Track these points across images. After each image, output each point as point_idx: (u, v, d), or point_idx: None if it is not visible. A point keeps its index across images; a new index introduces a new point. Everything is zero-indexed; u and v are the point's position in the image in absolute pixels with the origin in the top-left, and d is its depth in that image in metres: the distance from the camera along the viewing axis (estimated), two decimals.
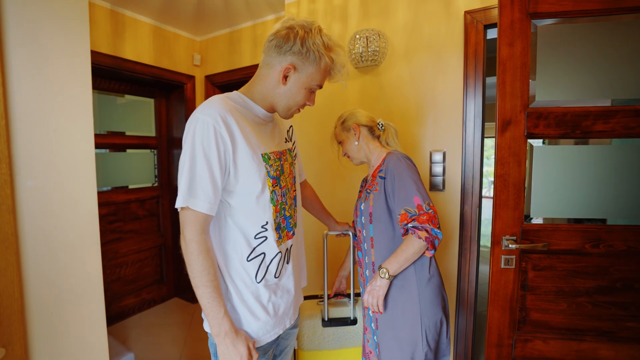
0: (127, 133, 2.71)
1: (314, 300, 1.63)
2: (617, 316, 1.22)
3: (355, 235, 1.35)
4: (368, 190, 1.21)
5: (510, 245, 1.22)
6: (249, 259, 0.92)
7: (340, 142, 1.31)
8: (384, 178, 1.15)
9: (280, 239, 0.96)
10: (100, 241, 2.45)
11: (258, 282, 0.94)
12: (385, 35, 1.86)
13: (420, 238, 1.05)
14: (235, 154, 0.86)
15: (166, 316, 2.68)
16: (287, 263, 1.00)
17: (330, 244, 2.00)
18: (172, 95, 2.91)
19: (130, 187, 2.72)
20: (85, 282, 1.37)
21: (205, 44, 2.88)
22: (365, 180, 1.37)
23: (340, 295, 1.54)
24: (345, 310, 1.55)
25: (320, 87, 0.96)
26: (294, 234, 1.02)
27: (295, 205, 1.08)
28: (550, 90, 1.23)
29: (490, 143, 6.19)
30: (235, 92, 0.97)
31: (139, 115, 2.81)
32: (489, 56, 1.70)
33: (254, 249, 0.92)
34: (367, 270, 1.22)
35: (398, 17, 1.85)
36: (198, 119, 0.83)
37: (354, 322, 1.52)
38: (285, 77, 0.92)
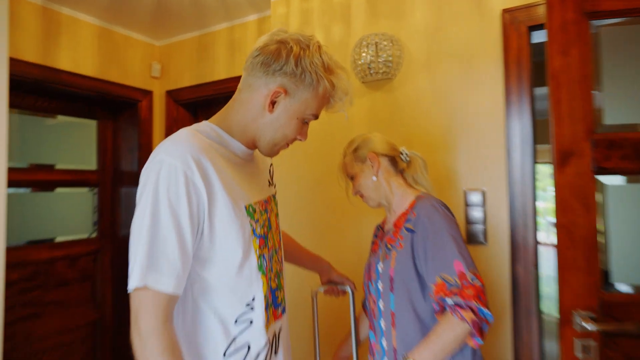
0: (58, 166, 2.68)
1: None
2: None
3: (367, 305, 1.32)
4: (389, 246, 1.20)
5: (585, 325, 1.14)
6: (226, 353, 0.89)
7: (351, 177, 1.31)
8: (413, 232, 1.13)
9: (269, 322, 0.95)
10: (7, 320, 2.32)
11: None
12: (401, 41, 1.89)
13: (464, 320, 1.00)
14: (211, 208, 0.85)
15: None
16: (276, 354, 0.98)
17: (323, 305, 1.89)
18: (121, 116, 2.92)
19: (59, 239, 2.65)
20: None
21: (167, 51, 2.93)
22: (380, 229, 1.36)
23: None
24: None
25: (316, 117, 0.98)
26: (283, 311, 1.02)
27: (282, 271, 1.10)
28: (625, 109, 1.21)
29: (544, 170, 6.11)
30: (205, 122, 0.98)
31: (75, 142, 2.79)
32: (535, 60, 1.71)
33: (235, 339, 0.90)
34: (386, 359, 1.17)
35: (416, 18, 1.89)
36: (162, 161, 0.83)
37: None
38: (273, 103, 0.93)
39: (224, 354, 0.88)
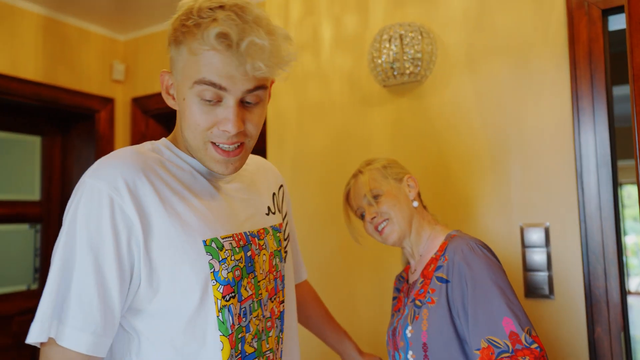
0: None
1: None
2: None
3: None
4: (418, 303, 1.19)
5: None
6: None
7: (377, 196, 1.28)
8: (447, 281, 1.14)
9: None
10: None
11: None
12: (433, 33, 1.89)
13: None
14: (149, 243, 0.84)
15: None
16: None
17: None
18: (73, 130, 2.91)
19: None
20: None
21: (134, 47, 2.94)
22: (403, 281, 1.38)
23: None
24: None
25: (215, 85, 0.85)
26: None
27: (282, 331, 1.07)
28: None
29: (630, 192, 6.06)
30: (163, 140, 1.02)
31: (11, 164, 2.77)
32: (614, 52, 1.69)
33: None
34: None
35: (452, 4, 1.89)
36: (85, 183, 0.84)
37: None
38: (168, 91, 0.98)
39: None
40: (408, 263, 1.36)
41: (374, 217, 1.26)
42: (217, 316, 0.88)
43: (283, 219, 1.18)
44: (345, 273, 2.04)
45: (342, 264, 2.04)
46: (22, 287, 2.76)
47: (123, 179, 0.84)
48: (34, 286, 2.80)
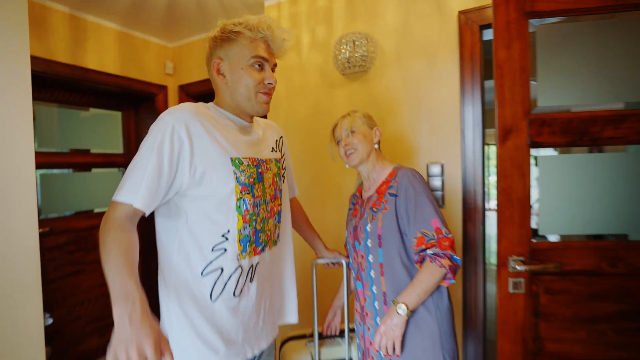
0: (93, 150, 2.66)
1: (302, 340, 1.56)
2: None
3: (351, 263, 1.32)
4: (374, 209, 1.17)
5: (517, 267, 1.19)
6: (203, 273, 0.91)
7: (353, 132, 1.23)
8: (396, 196, 1.13)
9: (244, 253, 0.95)
10: (58, 275, 2.35)
11: (214, 302, 0.92)
12: (374, 39, 1.87)
13: (442, 267, 1.04)
14: (194, 155, 0.88)
15: None
16: (251, 282, 0.98)
17: (323, 274, 1.95)
18: (141, 107, 2.88)
19: (97, 210, 2.65)
20: (22, 333, 1.28)
21: (179, 51, 2.87)
22: (358, 197, 1.33)
23: (332, 337, 1.49)
24: (338, 351, 1.48)
25: (264, 59, 0.98)
26: (262, 250, 1.01)
27: (279, 221, 1.08)
28: (554, 94, 1.23)
29: (492, 149, 6.29)
30: (210, 103, 1.03)
31: (105, 130, 2.77)
32: (487, 58, 1.71)
33: (211, 262, 0.92)
34: (376, 303, 1.16)
35: (387, 19, 1.86)
36: (161, 118, 0.88)
37: None
38: (221, 73, 0.99)
39: (202, 274, 0.91)
40: (360, 186, 1.33)
41: (347, 145, 1.22)
42: (236, 203, 0.92)
43: (282, 157, 1.17)
44: (319, 195, 2.05)
45: (317, 190, 2.06)
46: None
47: (183, 116, 0.88)
48: None
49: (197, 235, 0.91)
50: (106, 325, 2.63)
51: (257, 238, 0.98)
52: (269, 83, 0.99)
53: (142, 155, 0.85)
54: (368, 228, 1.17)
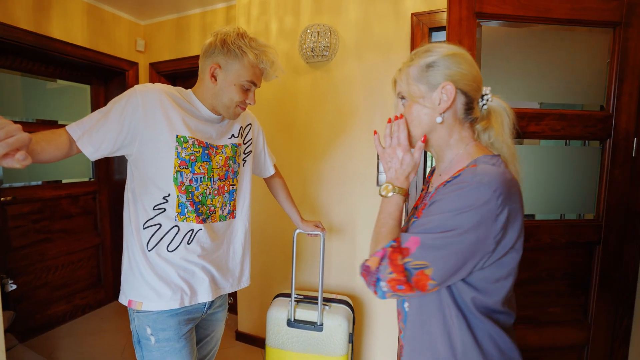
0: (60, 122, 2.50)
1: (288, 298, 1.63)
2: (541, 303, 1.33)
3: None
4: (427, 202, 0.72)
5: None
6: (144, 226, 1.00)
7: (402, 98, 0.75)
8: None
9: (182, 216, 1.01)
10: (23, 243, 2.24)
11: (149, 251, 1.00)
12: (337, 32, 1.88)
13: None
14: (146, 122, 0.94)
15: (103, 323, 2.51)
16: (188, 243, 1.02)
17: (305, 243, 1.99)
18: (111, 82, 2.73)
19: (64, 181, 2.52)
20: None
21: (150, 29, 2.74)
22: (427, 182, 0.87)
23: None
24: (313, 315, 1.53)
25: (254, 84, 1.02)
26: (204, 220, 1.04)
27: (230, 199, 1.11)
28: (492, 91, 1.30)
29: None
30: (188, 90, 1.06)
31: (73, 102, 2.60)
32: None
33: (152, 218, 0.99)
34: (406, 304, 0.77)
35: (350, 14, 1.88)
36: (131, 88, 0.96)
37: (319, 328, 1.51)
38: (214, 77, 1.00)
39: (143, 226, 1.00)
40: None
41: (396, 115, 0.74)
42: (174, 174, 0.98)
43: (244, 142, 1.18)
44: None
45: (281, 171, 2.09)
46: (85, 179, 2.66)
47: (147, 89, 0.95)
48: (92, 179, 2.69)
49: (142, 194, 0.99)
50: (73, 291, 2.54)
51: (196, 209, 1.02)
52: (249, 103, 1.04)
53: (102, 108, 0.94)
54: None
